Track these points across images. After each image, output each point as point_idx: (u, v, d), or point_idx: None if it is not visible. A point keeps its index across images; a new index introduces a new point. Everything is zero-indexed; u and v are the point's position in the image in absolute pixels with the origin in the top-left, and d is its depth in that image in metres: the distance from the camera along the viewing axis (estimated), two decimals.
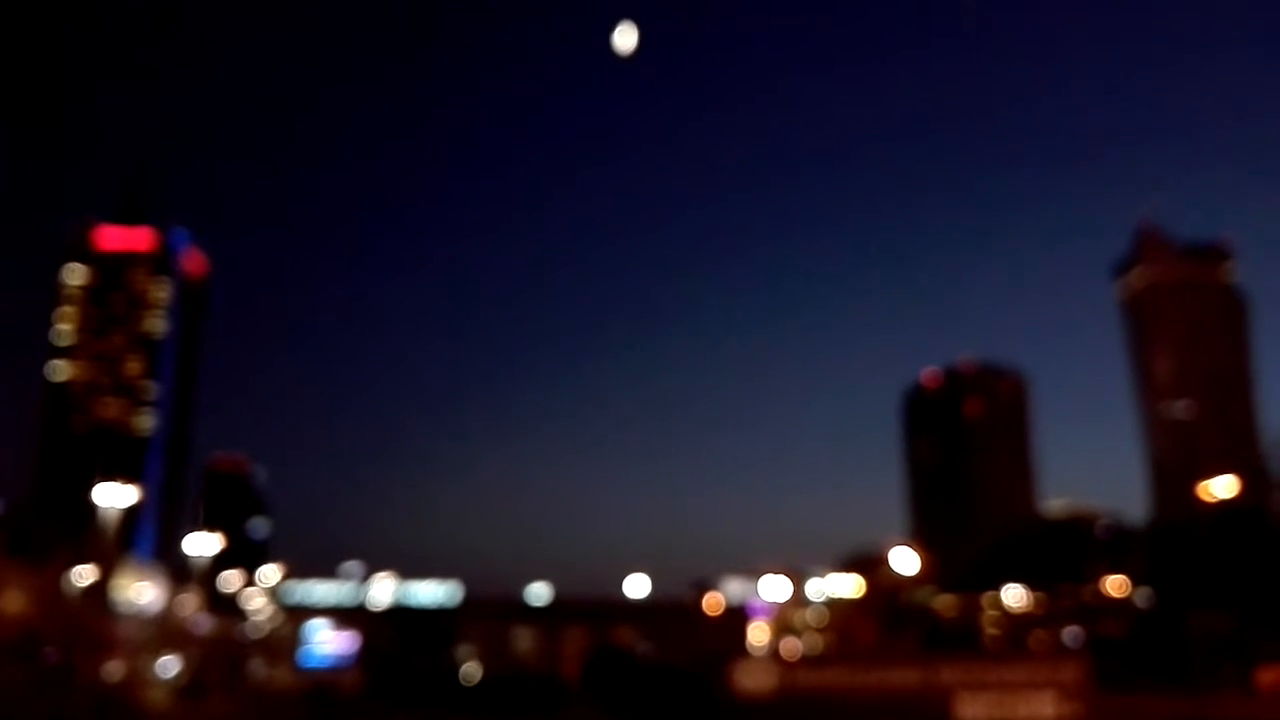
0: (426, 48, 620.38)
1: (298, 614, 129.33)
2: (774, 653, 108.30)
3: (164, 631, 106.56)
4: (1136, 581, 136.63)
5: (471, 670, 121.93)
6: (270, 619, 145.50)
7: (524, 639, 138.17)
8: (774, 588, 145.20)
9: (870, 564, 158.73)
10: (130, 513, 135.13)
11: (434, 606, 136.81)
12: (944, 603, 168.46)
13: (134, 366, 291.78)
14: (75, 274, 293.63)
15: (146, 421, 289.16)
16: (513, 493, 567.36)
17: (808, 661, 41.61)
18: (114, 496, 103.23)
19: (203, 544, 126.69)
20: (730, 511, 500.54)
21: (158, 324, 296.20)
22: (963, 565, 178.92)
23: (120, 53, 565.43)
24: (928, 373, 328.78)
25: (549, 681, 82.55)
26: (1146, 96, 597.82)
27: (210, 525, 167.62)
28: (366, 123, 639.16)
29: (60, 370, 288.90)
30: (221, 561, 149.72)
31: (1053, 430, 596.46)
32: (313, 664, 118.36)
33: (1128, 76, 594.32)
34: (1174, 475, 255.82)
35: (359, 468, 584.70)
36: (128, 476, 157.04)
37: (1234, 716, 48.13)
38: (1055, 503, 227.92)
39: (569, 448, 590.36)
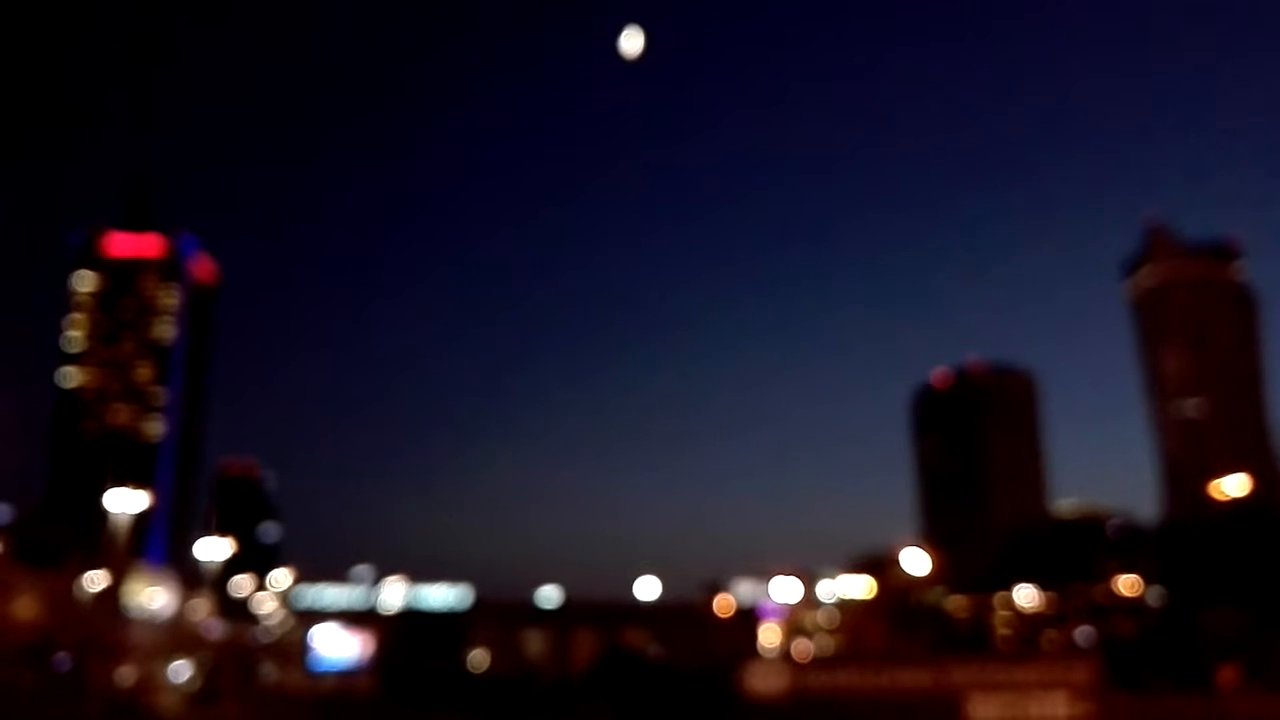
0: (435, 55, 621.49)
1: (309, 618, 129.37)
2: (785, 654, 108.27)
3: (176, 636, 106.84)
4: (1148, 581, 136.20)
5: (479, 659, 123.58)
6: (281, 623, 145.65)
7: (535, 642, 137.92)
8: (785, 589, 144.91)
9: (881, 565, 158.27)
10: (141, 518, 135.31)
11: (445, 610, 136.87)
12: (955, 603, 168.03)
13: (144, 373, 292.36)
14: (85, 281, 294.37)
15: (157, 427, 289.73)
16: (523, 496, 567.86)
17: (819, 663, 41.63)
18: (125, 502, 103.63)
19: (214, 549, 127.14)
20: (741, 513, 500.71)
21: (167, 330, 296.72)
22: (974, 566, 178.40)
23: (129, 58, 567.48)
24: (937, 373, 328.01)
25: (561, 684, 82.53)
26: (1155, 95, 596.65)
27: (221, 530, 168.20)
28: (375, 129, 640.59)
29: (71, 377, 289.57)
30: (232, 566, 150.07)
31: (1063, 430, 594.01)
32: (324, 669, 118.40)
33: (1136, 75, 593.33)
34: (1185, 474, 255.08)
35: (369, 471, 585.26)
36: (138, 482, 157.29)
37: (1244, 715, 47.84)
38: (1066, 502, 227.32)
39: (579, 451, 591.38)
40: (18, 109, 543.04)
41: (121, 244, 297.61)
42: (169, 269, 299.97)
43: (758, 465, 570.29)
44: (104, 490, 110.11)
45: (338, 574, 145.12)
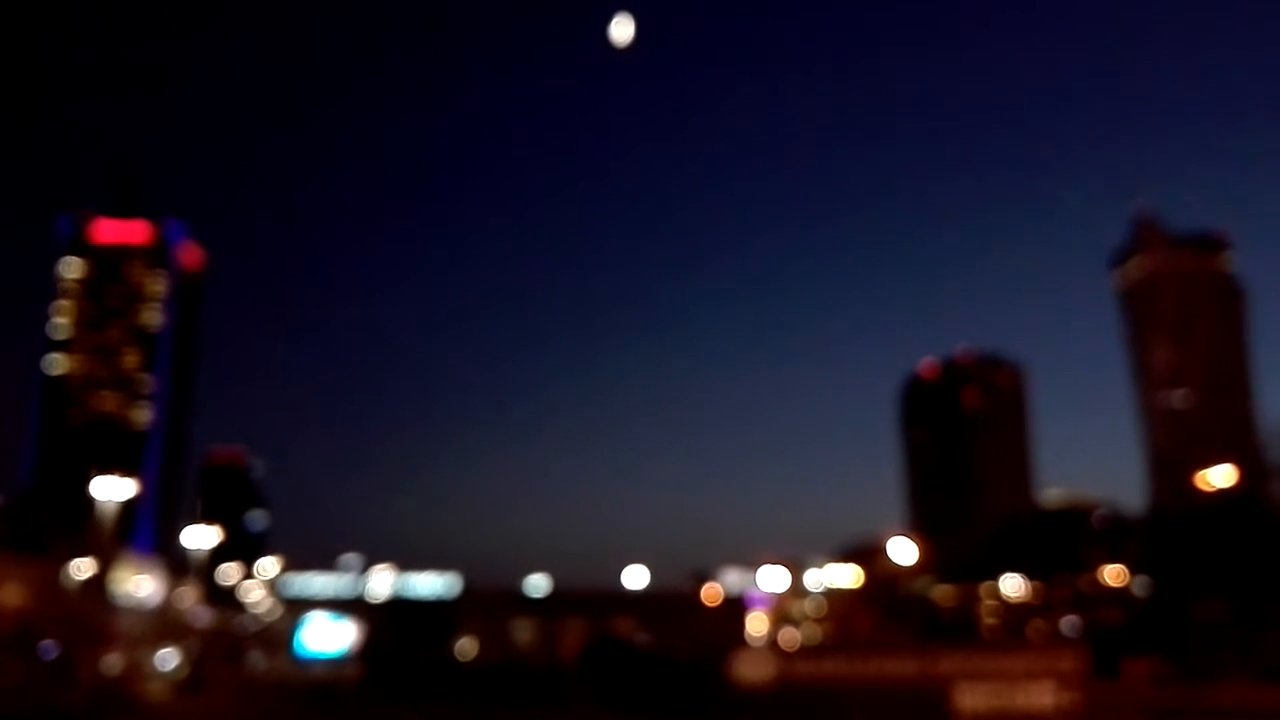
0: (425, 43, 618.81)
1: (296, 607, 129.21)
2: (773, 643, 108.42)
3: (163, 624, 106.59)
4: (1134, 571, 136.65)
5: (467, 647, 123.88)
6: (269, 611, 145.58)
7: (523, 630, 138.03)
8: (772, 578, 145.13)
9: (868, 554, 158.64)
10: (128, 506, 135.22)
11: (433, 598, 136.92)
12: (942, 593, 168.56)
13: (131, 360, 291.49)
14: (72, 267, 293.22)
15: (144, 415, 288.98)
16: (512, 484, 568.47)
17: (806, 652, 41.78)
18: (112, 490, 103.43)
19: (201, 537, 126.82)
20: (729, 502, 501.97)
21: (154, 317, 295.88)
22: (961, 555, 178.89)
23: (117, 44, 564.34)
24: (926, 363, 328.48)
25: (549, 673, 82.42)
26: (1143, 87, 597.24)
27: (208, 518, 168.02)
28: (364, 115, 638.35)
29: (58, 364, 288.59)
30: (220, 554, 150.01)
31: (1050, 420, 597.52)
32: (311, 657, 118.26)
33: (1124, 67, 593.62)
34: (1171, 465, 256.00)
35: (357, 460, 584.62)
36: (126, 470, 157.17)
37: (1231, 705, 48.14)
38: (1053, 492, 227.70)
39: (568, 440, 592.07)
40: (5, 96, 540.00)
41: (109, 231, 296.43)
42: (156, 256, 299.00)
43: (746, 455, 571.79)
44: (91, 478, 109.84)
45: (325, 562, 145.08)
